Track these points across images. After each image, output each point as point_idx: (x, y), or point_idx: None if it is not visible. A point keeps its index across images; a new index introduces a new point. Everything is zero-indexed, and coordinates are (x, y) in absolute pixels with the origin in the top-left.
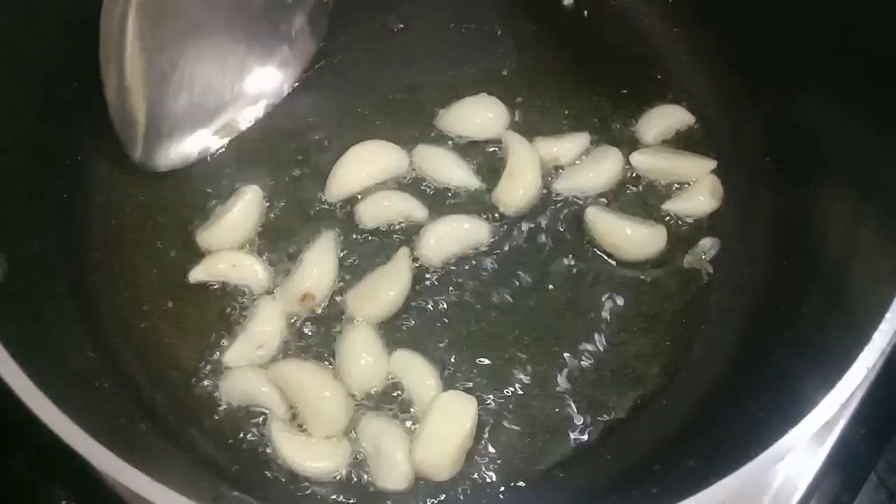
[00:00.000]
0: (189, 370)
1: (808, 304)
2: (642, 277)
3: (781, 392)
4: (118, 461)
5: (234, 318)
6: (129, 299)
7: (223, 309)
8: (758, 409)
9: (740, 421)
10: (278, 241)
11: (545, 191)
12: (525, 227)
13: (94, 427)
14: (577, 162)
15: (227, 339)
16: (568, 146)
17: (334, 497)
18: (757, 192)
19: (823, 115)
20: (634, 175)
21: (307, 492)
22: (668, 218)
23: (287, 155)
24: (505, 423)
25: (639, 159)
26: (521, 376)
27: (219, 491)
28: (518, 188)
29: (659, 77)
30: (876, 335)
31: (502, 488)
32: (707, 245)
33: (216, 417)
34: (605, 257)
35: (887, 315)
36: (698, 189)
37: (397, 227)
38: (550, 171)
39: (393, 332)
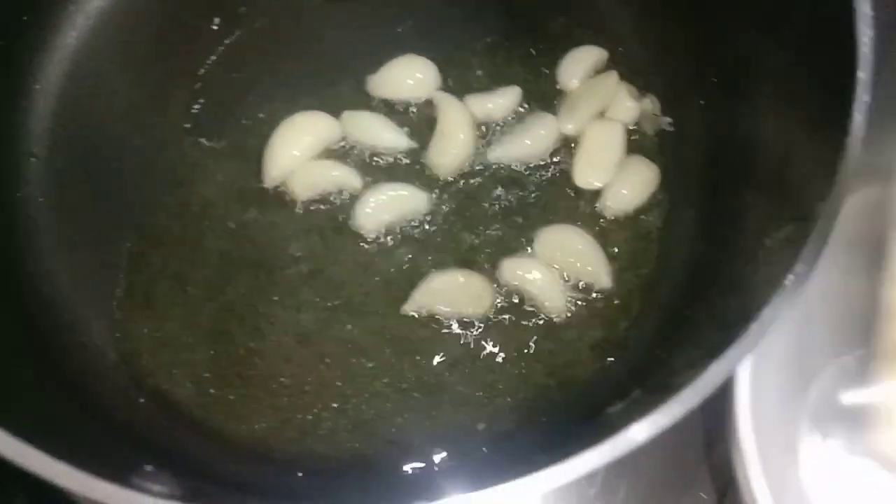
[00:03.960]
0: None
1: (751, 212)
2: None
3: (734, 298)
4: None
5: None
6: None
7: None
8: (713, 319)
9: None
10: None
11: (481, 164)
12: (463, 191)
13: None
14: (510, 119)
15: None
16: (500, 101)
17: None
18: (690, 116)
19: (750, 43)
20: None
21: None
22: None
23: None
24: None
25: (570, 127)
26: None
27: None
28: (451, 149)
29: (578, 21)
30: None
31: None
32: (649, 105)
33: None
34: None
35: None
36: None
37: (333, 198)
38: (485, 135)
39: None
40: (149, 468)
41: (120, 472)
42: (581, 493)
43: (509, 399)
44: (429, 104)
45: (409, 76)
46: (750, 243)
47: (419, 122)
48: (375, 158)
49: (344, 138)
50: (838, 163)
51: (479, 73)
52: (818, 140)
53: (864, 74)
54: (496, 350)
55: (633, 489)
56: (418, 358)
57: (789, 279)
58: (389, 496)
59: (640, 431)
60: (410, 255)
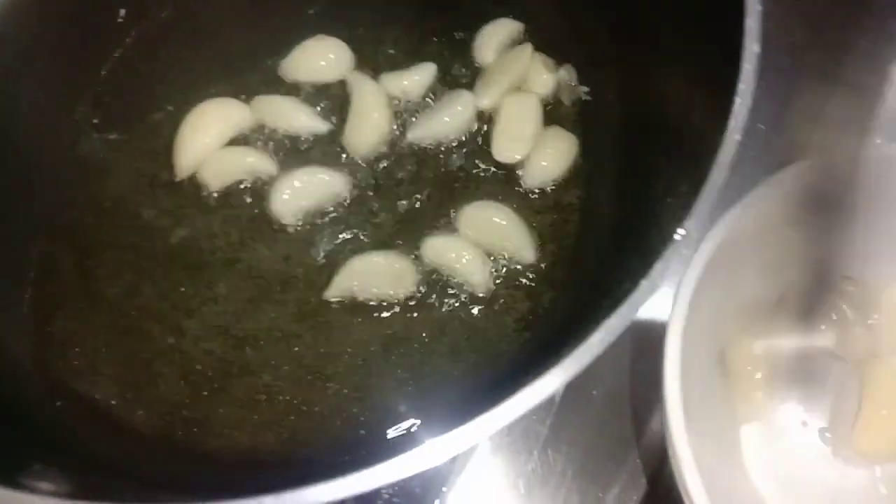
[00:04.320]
0: None
1: (661, 174)
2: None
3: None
4: None
5: None
6: None
7: None
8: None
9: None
10: None
11: (399, 144)
12: (381, 172)
13: None
14: (428, 98)
15: None
16: (416, 78)
17: None
18: (606, 84)
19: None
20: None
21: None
22: None
23: None
24: None
25: (485, 101)
26: None
27: None
28: (366, 129)
29: None
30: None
31: None
32: (565, 75)
33: None
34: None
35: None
36: None
37: (248, 186)
38: (402, 115)
39: None
40: (37, 466)
41: (7, 472)
42: (519, 468)
43: (438, 378)
44: (344, 86)
45: (321, 58)
46: (657, 205)
47: (334, 104)
48: (291, 143)
49: (258, 125)
50: (729, 115)
51: (393, 51)
52: (713, 95)
53: (752, 21)
54: (422, 330)
55: (570, 461)
56: (343, 343)
57: (679, 234)
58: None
59: (551, 381)
60: (330, 240)
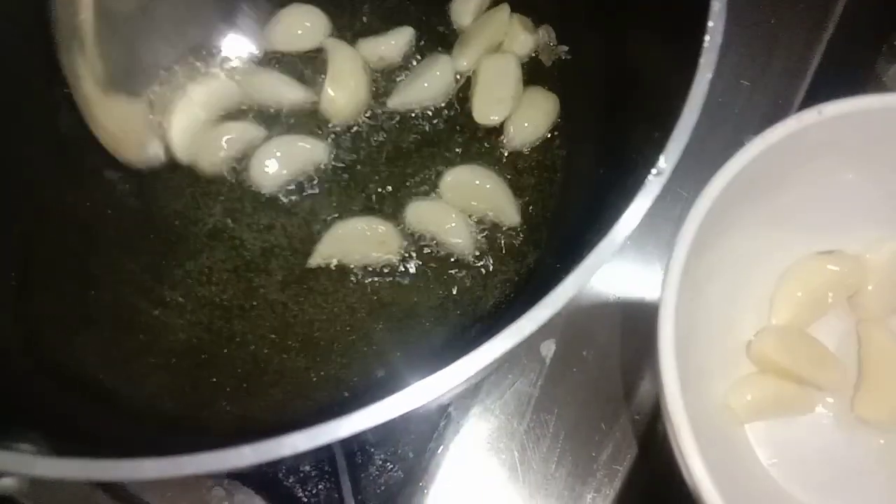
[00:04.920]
0: None
1: (637, 126)
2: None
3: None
4: None
5: None
6: None
7: None
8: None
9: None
10: None
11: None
12: (362, 138)
13: None
14: (409, 63)
15: None
16: (392, 43)
17: None
18: (585, 42)
19: None
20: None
21: None
22: None
23: None
24: None
25: (464, 64)
26: None
27: None
28: (343, 95)
29: None
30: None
31: None
32: (544, 35)
33: None
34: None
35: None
36: None
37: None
38: (381, 80)
39: None
40: (16, 429)
41: None
42: (512, 430)
43: (425, 343)
44: (322, 53)
45: (297, 26)
46: (633, 155)
47: (314, 72)
48: (272, 113)
49: (243, 98)
50: (699, 54)
51: (367, 19)
52: (685, 39)
53: None
54: (408, 295)
55: (562, 422)
56: (330, 309)
57: (652, 174)
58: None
59: (526, 325)
60: (313, 208)
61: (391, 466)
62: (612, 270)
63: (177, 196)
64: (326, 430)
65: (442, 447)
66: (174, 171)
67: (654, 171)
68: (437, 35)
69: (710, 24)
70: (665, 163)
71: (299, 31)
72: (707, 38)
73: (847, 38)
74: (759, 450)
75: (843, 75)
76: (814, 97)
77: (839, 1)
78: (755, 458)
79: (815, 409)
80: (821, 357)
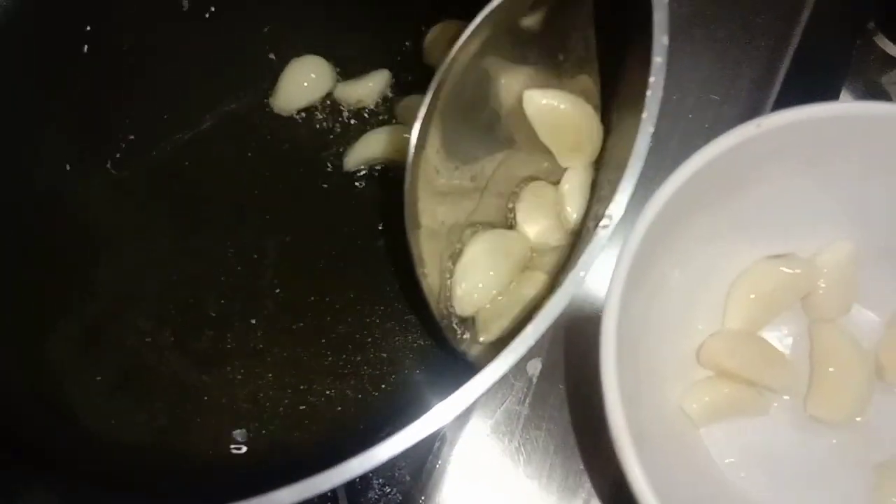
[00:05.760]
0: None
1: None
2: None
3: None
4: None
5: None
6: None
7: None
8: None
9: None
10: None
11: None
12: None
13: None
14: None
15: None
16: (370, 85)
17: None
18: None
19: None
20: None
21: None
22: None
23: None
24: None
25: None
26: None
27: None
28: None
29: None
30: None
31: None
32: None
33: None
34: None
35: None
36: None
37: None
38: None
39: None
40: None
41: None
42: (503, 449)
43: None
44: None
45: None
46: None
47: None
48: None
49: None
50: (640, 112)
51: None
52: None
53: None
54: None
55: (551, 437)
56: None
57: (600, 226)
58: None
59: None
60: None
61: (389, 490)
62: (593, 288)
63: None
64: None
65: (438, 468)
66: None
67: (602, 222)
68: (413, 75)
69: (652, 79)
70: (613, 214)
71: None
72: (649, 92)
73: (815, 45)
74: (715, 452)
75: (814, 81)
76: (783, 105)
77: (805, 9)
78: (712, 460)
79: (770, 410)
80: (771, 359)
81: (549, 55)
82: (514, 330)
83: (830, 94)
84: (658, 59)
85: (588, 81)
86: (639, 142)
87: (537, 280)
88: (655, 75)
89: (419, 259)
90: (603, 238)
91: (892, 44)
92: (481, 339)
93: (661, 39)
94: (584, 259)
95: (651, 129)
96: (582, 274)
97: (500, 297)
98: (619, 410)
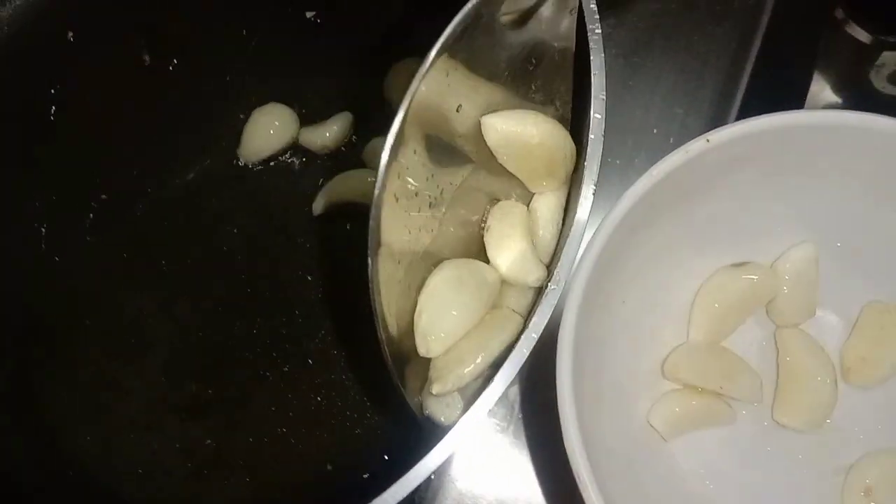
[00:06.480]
0: None
1: None
2: None
3: None
4: None
5: None
6: None
7: None
8: None
9: None
10: None
11: None
12: None
13: None
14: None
15: None
16: (335, 128)
17: None
18: None
19: None
20: None
21: None
22: None
23: None
24: None
25: None
26: None
27: None
28: None
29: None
30: None
31: None
32: None
33: None
34: None
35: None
36: None
37: None
38: None
39: None
40: None
41: None
42: (490, 475)
43: None
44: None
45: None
46: None
47: None
48: None
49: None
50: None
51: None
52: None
53: None
54: None
55: (536, 459)
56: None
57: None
58: None
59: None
60: None
61: None
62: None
63: None
64: None
65: (428, 499)
66: None
67: (550, 285)
68: (377, 116)
69: (591, 136)
70: (560, 276)
71: (270, 132)
72: (588, 149)
73: (779, 46)
74: (684, 464)
75: (780, 83)
76: (749, 112)
77: (764, 13)
78: (681, 472)
79: (738, 418)
80: (735, 370)
81: (520, 63)
82: (474, 386)
83: (799, 93)
84: (598, 116)
85: (562, 93)
86: (580, 209)
87: (507, 320)
88: (594, 132)
89: (379, 306)
90: (552, 299)
91: (862, 31)
92: (434, 390)
93: (599, 95)
94: (535, 321)
95: (593, 188)
96: (534, 335)
97: (461, 341)
98: (575, 430)
